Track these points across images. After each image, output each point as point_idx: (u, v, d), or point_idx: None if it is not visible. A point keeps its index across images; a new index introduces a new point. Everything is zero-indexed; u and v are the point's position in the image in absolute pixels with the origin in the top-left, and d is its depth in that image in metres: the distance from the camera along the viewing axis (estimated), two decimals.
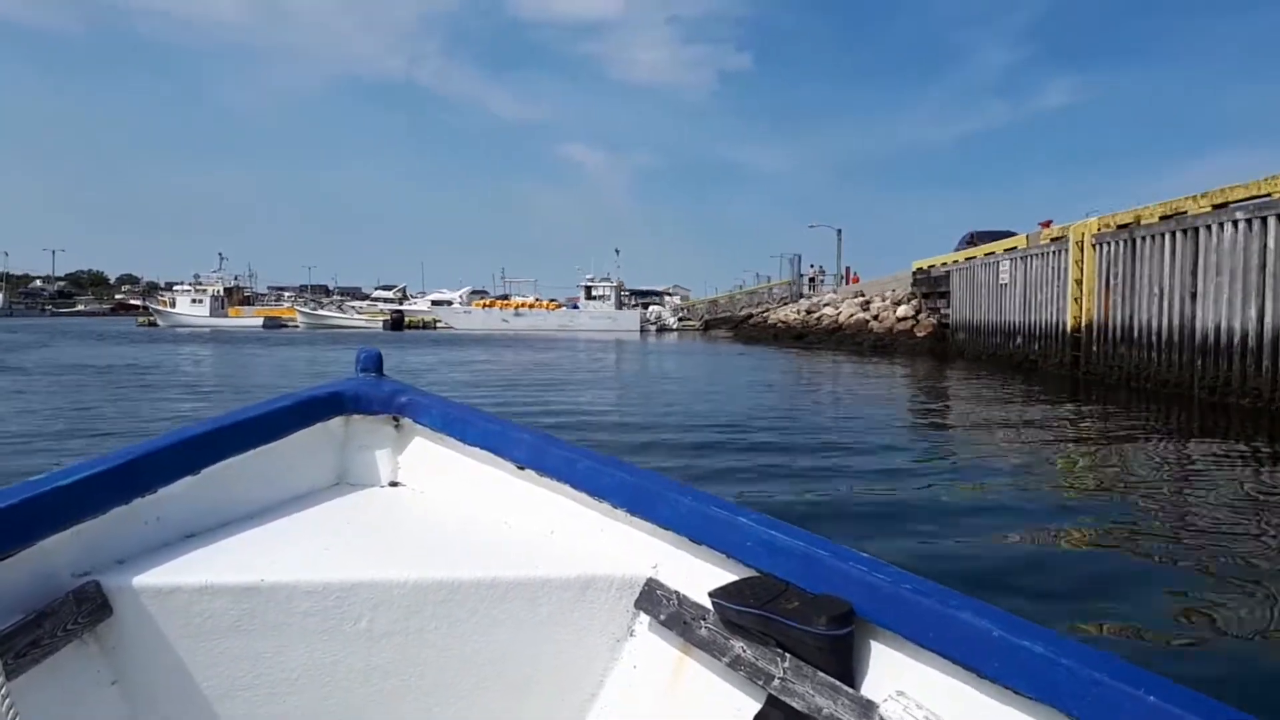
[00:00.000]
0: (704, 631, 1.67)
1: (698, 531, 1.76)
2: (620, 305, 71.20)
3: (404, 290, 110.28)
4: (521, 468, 2.11)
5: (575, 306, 70.94)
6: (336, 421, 2.30)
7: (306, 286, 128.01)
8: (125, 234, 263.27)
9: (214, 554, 1.84)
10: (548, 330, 65.11)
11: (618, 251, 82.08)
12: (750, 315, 67.57)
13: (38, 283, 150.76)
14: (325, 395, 2.26)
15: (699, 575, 1.75)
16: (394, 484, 2.33)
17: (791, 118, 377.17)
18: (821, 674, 1.48)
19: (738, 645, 1.61)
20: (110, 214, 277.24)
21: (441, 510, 2.17)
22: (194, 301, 73.19)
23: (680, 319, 71.59)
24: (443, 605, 1.79)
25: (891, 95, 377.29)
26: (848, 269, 72.01)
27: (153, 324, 72.30)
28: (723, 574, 1.70)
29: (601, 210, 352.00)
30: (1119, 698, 1.17)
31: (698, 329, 68.40)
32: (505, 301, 72.07)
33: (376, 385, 2.34)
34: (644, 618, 1.83)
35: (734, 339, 51.82)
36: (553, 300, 73.51)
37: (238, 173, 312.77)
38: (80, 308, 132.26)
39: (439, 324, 70.31)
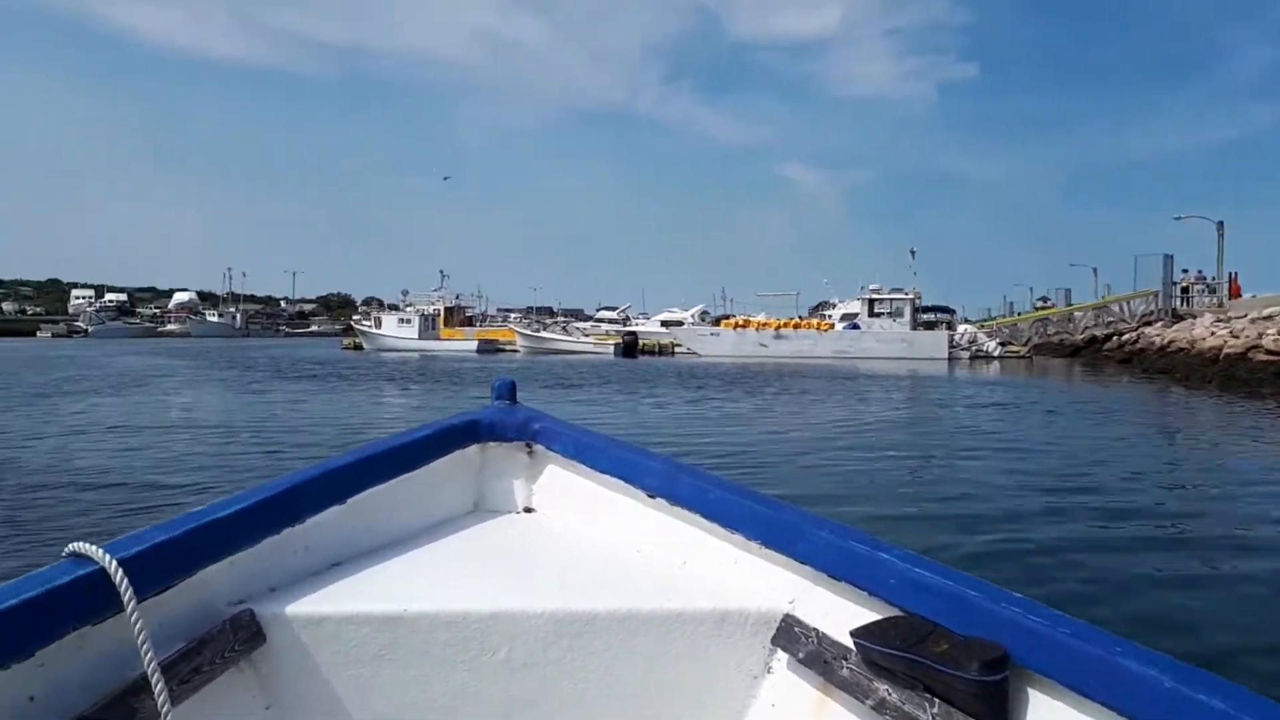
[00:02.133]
0: (846, 672, 1.59)
1: (837, 567, 1.69)
2: (915, 324, 53.88)
3: (628, 311, 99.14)
4: (653, 496, 2.07)
5: (855, 326, 54.27)
6: (473, 449, 2.30)
7: (531, 308, 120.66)
8: (371, 260, 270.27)
9: (359, 582, 1.86)
10: (820, 358, 49.05)
11: (913, 253, 62.90)
12: (1106, 337, 48.60)
13: (281, 304, 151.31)
14: (462, 424, 2.28)
15: (839, 613, 1.67)
16: (528, 510, 2.32)
17: (1014, 127, 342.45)
18: None
19: (882, 688, 1.51)
20: (358, 241, 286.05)
21: (574, 538, 2.15)
22: (402, 322, 62.40)
23: (1000, 342, 53.29)
24: (579, 637, 1.76)
25: (1128, 101, 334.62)
26: (1232, 275, 51.95)
27: (358, 347, 62.19)
28: (864, 612, 1.63)
29: (814, 228, 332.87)
30: None
31: (1024, 355, 50.29)
32: (762, 321, 56.04)
33: (510, 413, 2.34)
34: (782, 655, 1.75)
35: (1095, 371, 39.49)
36: (823, 319, 57.00)
37: (470, 202, 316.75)
38: (314, 328, 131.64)
39: (678, 348, 55.82)
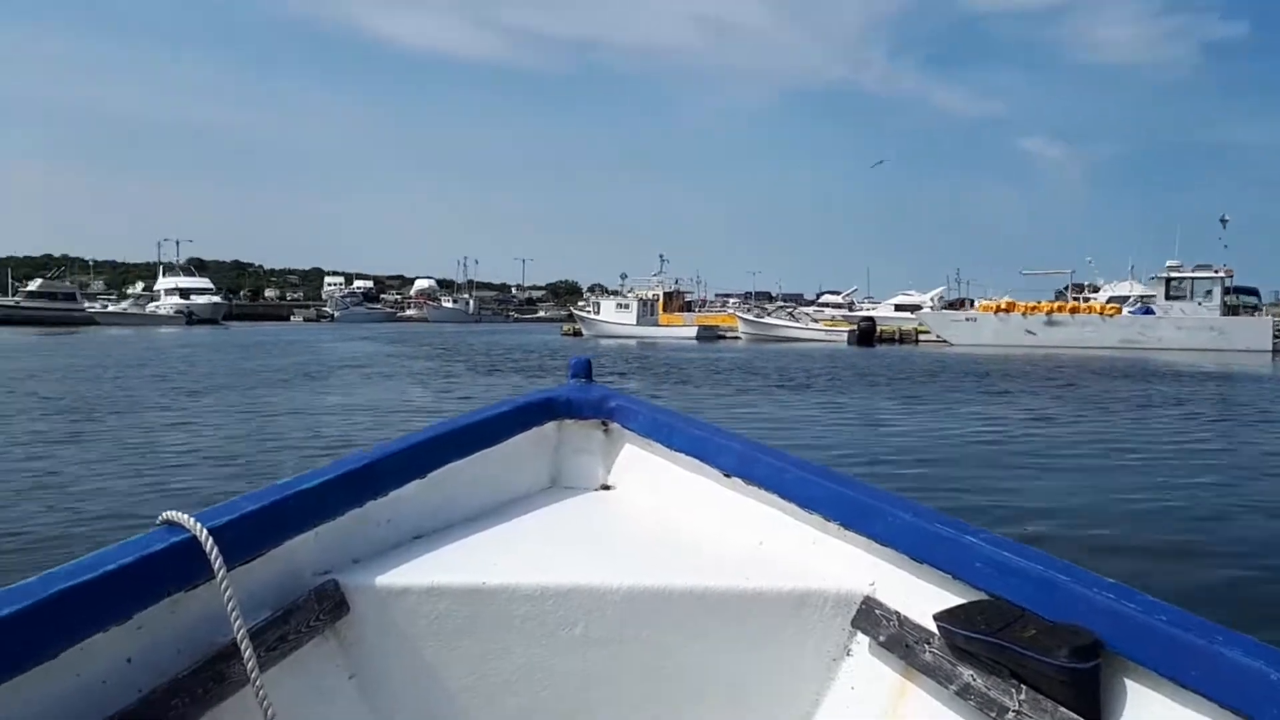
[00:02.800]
0: (929, 656, 1.55)
1: (920, 549, 1.64)
2: (1225, 309, 43.80)
3: (853, 295, 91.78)
4: (728, 475, 2.05)
5: (1148, 310, 44.88)
6: (550, 426, 2.31)
7: (750, 293, 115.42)
8: (598, 247, 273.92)
9: (440, 555, 1.87)
10: (1103, 348, 40.43)
11: (1224, 222, 47.84)
12: None
13: (512, 290, 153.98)
14: (540, 401, 2.30)
15: (921, 596, 1.63)
16: (604, 487, 2.33)
17: None
18: (1064, 709, 1.33)
19: (967, 673, 1.47)
20: (586, 229, 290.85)
21: (650, 515, 2.15)
22: (620, 307, 58.47)
23: None
24: (656, 613, 1.76)
25: None
26: None
27: (577, 333, 58.97)
28: (947, 595, 1.58)
29: (1054, 205, 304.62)
30: None
31: None
32: (1031, 306, 47.44)
33: (586, 390, 2.36)
34: (862, 638, 1.73)
35: None
36: (1109, 303, 47.66)
37: (692, 186, 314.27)
38: (540, 314, 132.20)
39: (923, 335, 48.44)
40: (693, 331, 54.32)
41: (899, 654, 1.61)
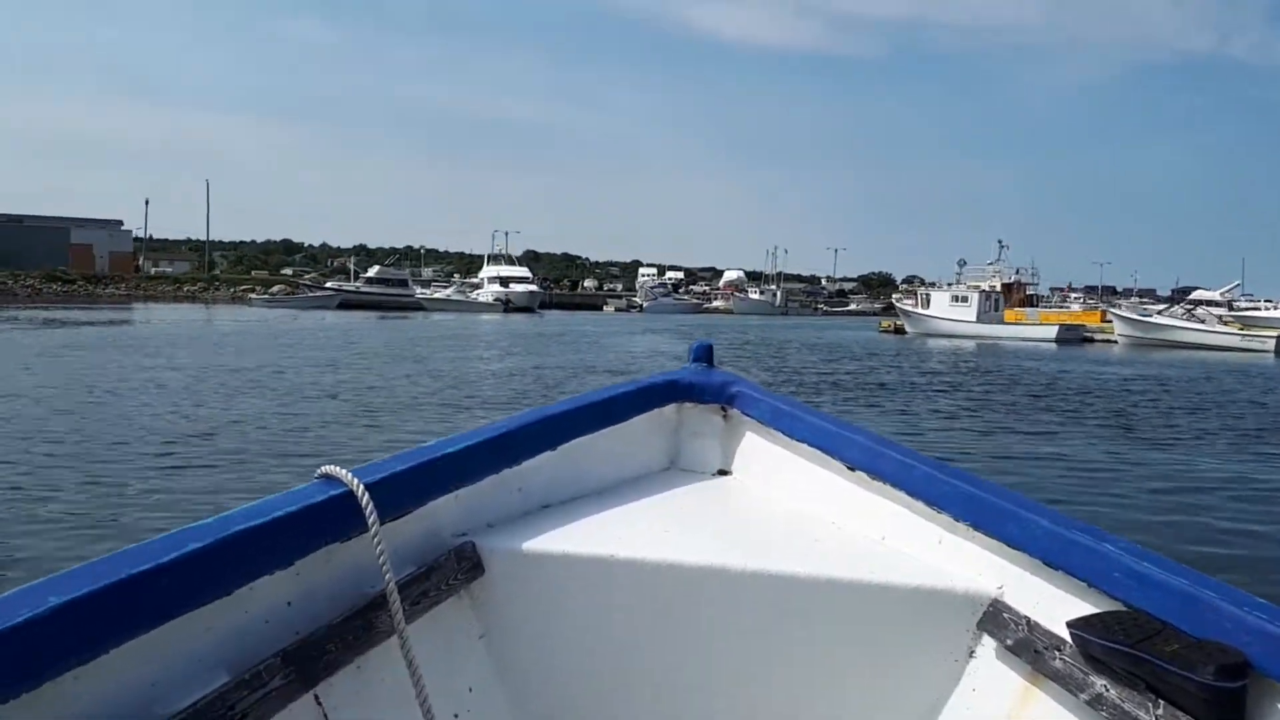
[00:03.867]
0: (1059, 663, 1.51)
1: (1053, 555, 1.59)
2: None
3: (1232, 293, 75.02)
4: (852, 469, 2.01)
5: None
6: (670, 408, 2.32)
7: (1097, 288, 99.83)
8: (912, 236, 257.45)
9: (569, 525, 1.89)
10: None
11: None
12: None
13: (822, 282, 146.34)
14: (663, 383, 2.32)
15: (1053, 602, 1.59)
16: (722, 472, 2.32)
17: None
18: None
19: (1099, 683, 1.42)
20: (901, 218, 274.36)
21: (769, 503, 2.13)
22: (956, 300, 48.85)
23: None
24: (776, 598, 1.74)
25: None
26: None
27: (898, 330, 50.42)
28: (1081, 604, 1.53)
29: None
30: None
31: None
32: None
33: (708, 375, 2.35)
34: (988, 640, 1.68)
35: None
36: None
37: (1024, 168, 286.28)
38: (852, 307, 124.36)
39: None
40: (1051, 332, 43.96)
41: (1026, 659, 1.57)
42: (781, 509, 2.09)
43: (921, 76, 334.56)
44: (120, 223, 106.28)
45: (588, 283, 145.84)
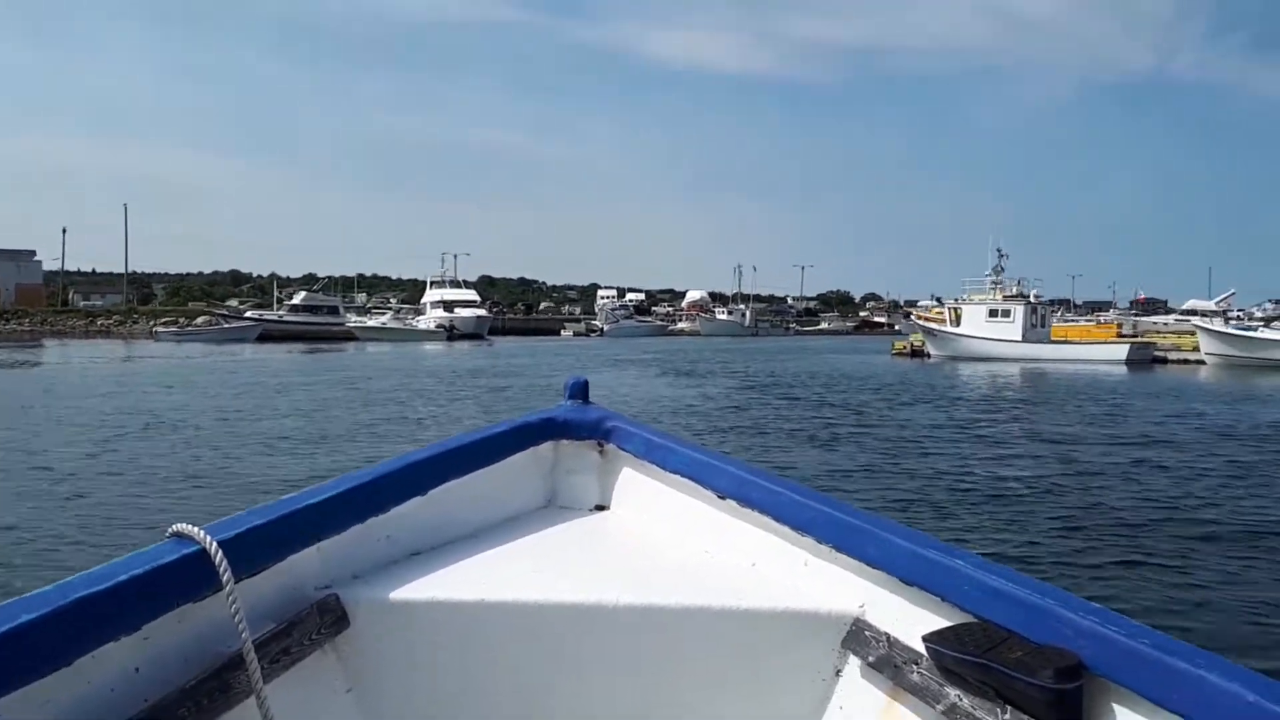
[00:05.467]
0: (917, 677, 1.53)
1: (909, 572, 1.61)
2: None
3: (1229, 300, 67.71)
4: (723, 497, 2.00)
5: None
6: (546, 446, 2.26)
7: (1070, 300, 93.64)
8: (871, 255, 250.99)
9: (438, 571, 1.83)
10: None
11: None
12: None
13: (788, 300, 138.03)
14: (537, 421, 2.24)
15: (910, 618, 1.61)
16: (599, 507, 2.27)
17: None
18: None
19: (954, 693, 1.45)
20: (860, 237, 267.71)
21: (644, 536, 2.11)
22: (995, 315, 39.12)
23: None
24: (650, 632, 1.73)
25: None
26: None
27: (917, 353, 40.94)
28: (936, 618, 1.55)
29: None
30: None
31: None
32: None
33: (584, 411, 2.29)
34: (852, 658, 1.69)
35: None
36: None
37: (983, 187, 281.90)
38: (824, 325, 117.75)
39: None
40: (1120, 352, 34.74)
41: (888, 674, 1.58)
42: (657, 541, 2.05)
43: (880, 100, 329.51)
44: (32, 253, 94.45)
45: (544, 306, 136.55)
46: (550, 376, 27.47)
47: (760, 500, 1.91)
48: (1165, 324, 64.56)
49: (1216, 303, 77.48)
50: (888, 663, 1.59)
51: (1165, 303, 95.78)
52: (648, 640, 1.72)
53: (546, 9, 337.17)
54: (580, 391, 2.34)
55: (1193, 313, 77.97)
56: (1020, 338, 37.27)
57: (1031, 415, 17.59)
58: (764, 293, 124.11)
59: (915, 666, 1.53)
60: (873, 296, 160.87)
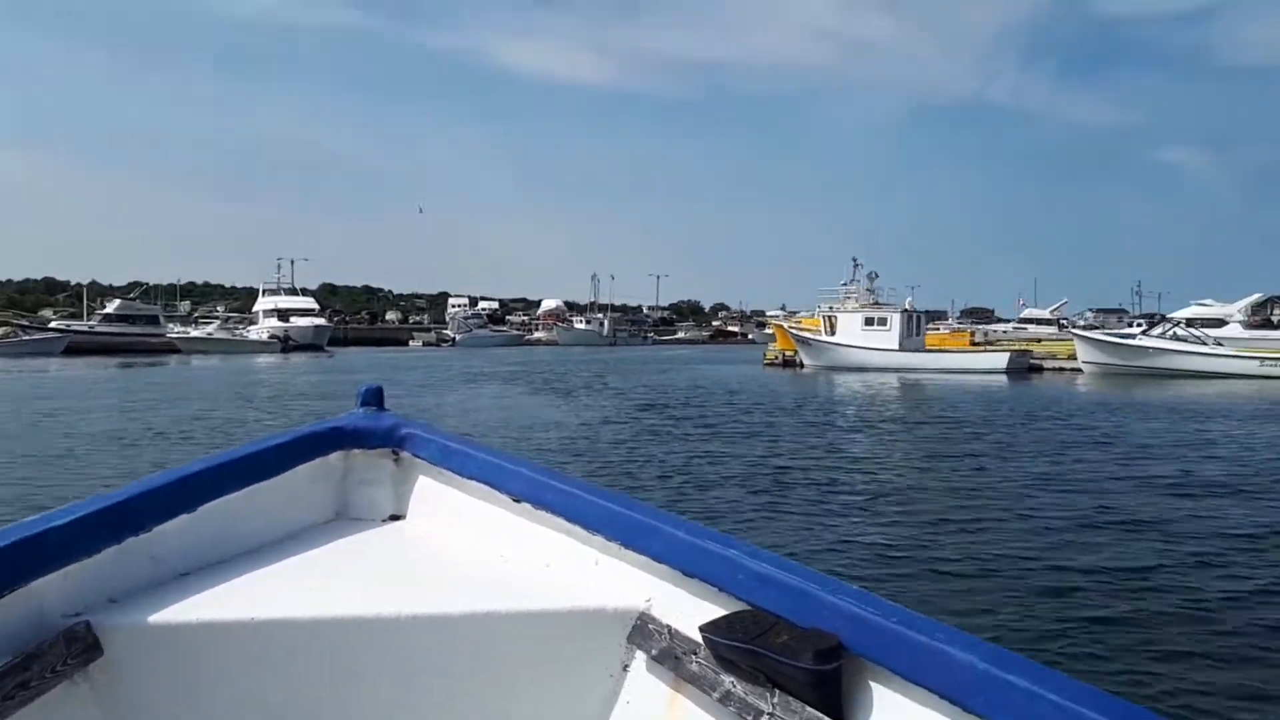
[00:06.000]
0: (695, 667, 1.56)
1: (690, 564, 1.65)
2: None
3: (1062, 309, 70.97)
4: (518, 500, 1.99)
5: None
6: (335, 456, 2.17)
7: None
8: (718, 267, 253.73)
9: (209, 592, 1.75)
10: None
11: None
12: None
13: (643, 310, 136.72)
14: (324, 431, 2.17)
15: (691, 609, 1.64)
16: (394, 518, 2.19)
17: None
18: (810, 710, 1.37)
19: (728, 680, 1.49)
20: (707, 248, 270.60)
21: (440, 544, 2.06)
22: (871, 324, 37.21)
23: None
24: (438, 640, 1.69)
25: None
26: None
27: (789, 362, 39.13)
28: (714, 608, 1.59)
29: (1197, 218, 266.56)
30: None
31: None
32: None
33: (377, 419, 2.22)
34: (638, 653, 1.71)
35: None
36: None
37: (822, 202, 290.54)
38: (680, 335, 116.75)
39: None
40: (1000, 361, 33.68)
41: (669, 666, 1.60)
42: (453, 548, 2.00)
43: (726, 115, 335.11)
44: None
45: (390, 315, 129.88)
46: (395, 395, 23.68)
47: (554, 501, 1.89)
48: (1004, 332, 66.11)
49: (1051, 311, 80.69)
50: (669, 655, 1.60)
51: (992, 312, 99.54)
52: (437, 650, 1.67)
53: (391, 13, 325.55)
54: (374, 398, 2.24)
55: (1029, 321, 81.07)
56: (897, 346, 35.91)
57: (999, 440, 15.27)
58: (618, 302, 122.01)
59: (694, 656, 1.55)
60: (722, 307, 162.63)
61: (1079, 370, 32.52)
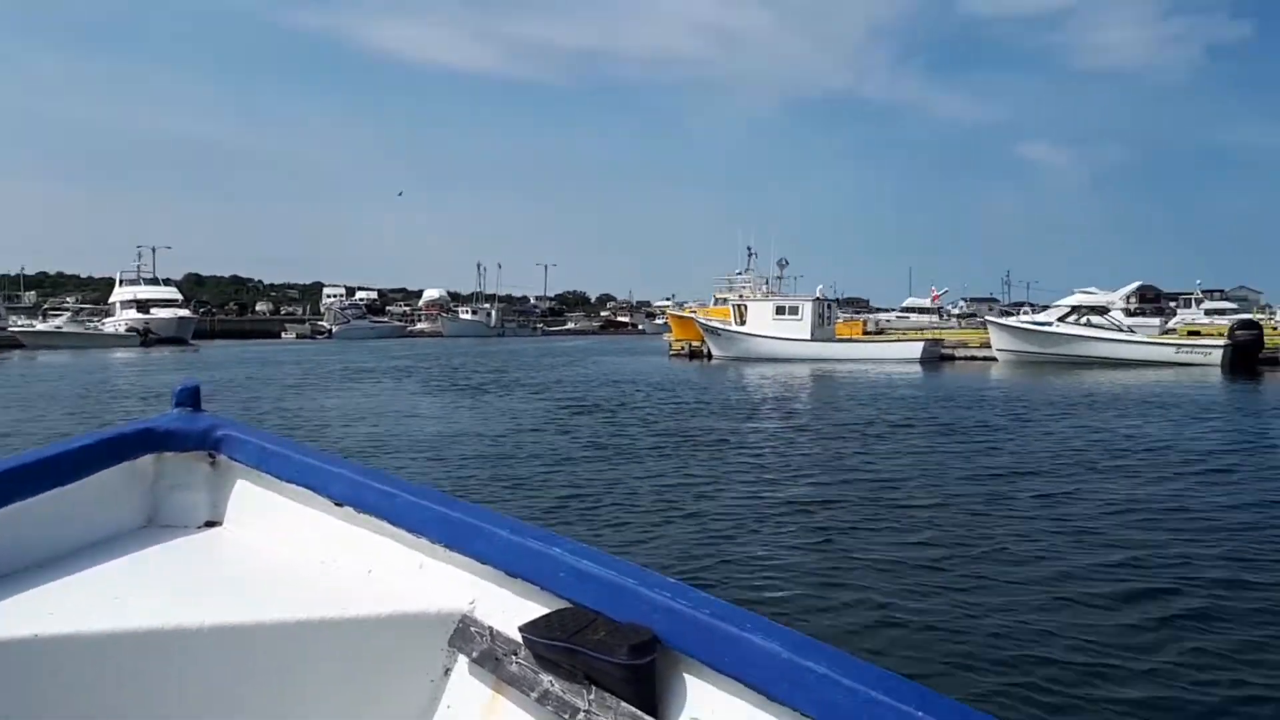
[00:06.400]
0: (515, 667, 1.54)
1: (513, 564, 1.62)
2: None
3: (944, 296, 72.44)
4: (339, 504, 1.91)
5: None
6: (146, 460, 2.05)
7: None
8: (601, 256, 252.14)
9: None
10: None
11: None
12: None
13: (531, 299, 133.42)
14: (133, 432, 2.06)
15: (513, 609, 1.61)
16: (210, 524, 2.09)
17: None
18: (625, 705, 1.36)
19: (547, 680, 1.48)
20: (590, 238, 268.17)
21: (257, 550, 1.97)
22: (782, 313, 35.48)
23: None
24: (248, 652, 1.61)
25: None
26: None
27: (695, 353, 37.45)
28: (536, 607, 1.57)
29: (1054, 212, 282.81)
30: (893, 717, 1.12)
31: None
32: None
33: (191, 420, 2.12)
34: (460, 656, 1.67)
35: None
36: None
37: (701, 195, 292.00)
38: (570, 326, 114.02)
39: None
40: (914, 351, 32.69)
41: (489, 668, 1.58)
42: (270, 555, 1.92)
43: (606, 104, 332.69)
44: None
45: (261, 305, 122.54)
46: (262, 399, 20.60)
47: (375, 504, 1.83)
48: (889, 321, 66.50)
49: (932, 299, 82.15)
50: (490, 656, 1.58)
51: (868, 302, 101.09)
52: (246, 663, 1.59)
53: None
54: (190, 398, 2.14)
55: (912, 310, 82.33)
56: (809, 336, 34.46)
57: (1003, 434, 13.59)
58: (504, 292, 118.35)
59: (515, 657, 1.54)
60: (609, 297, 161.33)
61: (993, 359, 31.91)
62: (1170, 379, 25.20)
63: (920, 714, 1.10)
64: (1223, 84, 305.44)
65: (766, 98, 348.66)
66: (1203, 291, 59.85)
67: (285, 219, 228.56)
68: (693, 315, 41.19)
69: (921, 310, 78.23)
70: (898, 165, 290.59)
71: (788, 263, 38.93)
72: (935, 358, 32.84)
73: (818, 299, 35.36)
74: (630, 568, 1.50)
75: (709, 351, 36.83)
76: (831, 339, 35.53)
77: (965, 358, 33.51)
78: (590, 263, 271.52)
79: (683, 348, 38.99)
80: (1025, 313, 44.72)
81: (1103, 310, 35.26)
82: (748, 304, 36.46)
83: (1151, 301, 55.71)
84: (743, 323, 35.65)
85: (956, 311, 77.85)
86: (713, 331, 36.73)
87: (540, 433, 13.90)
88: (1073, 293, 53.88)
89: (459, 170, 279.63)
